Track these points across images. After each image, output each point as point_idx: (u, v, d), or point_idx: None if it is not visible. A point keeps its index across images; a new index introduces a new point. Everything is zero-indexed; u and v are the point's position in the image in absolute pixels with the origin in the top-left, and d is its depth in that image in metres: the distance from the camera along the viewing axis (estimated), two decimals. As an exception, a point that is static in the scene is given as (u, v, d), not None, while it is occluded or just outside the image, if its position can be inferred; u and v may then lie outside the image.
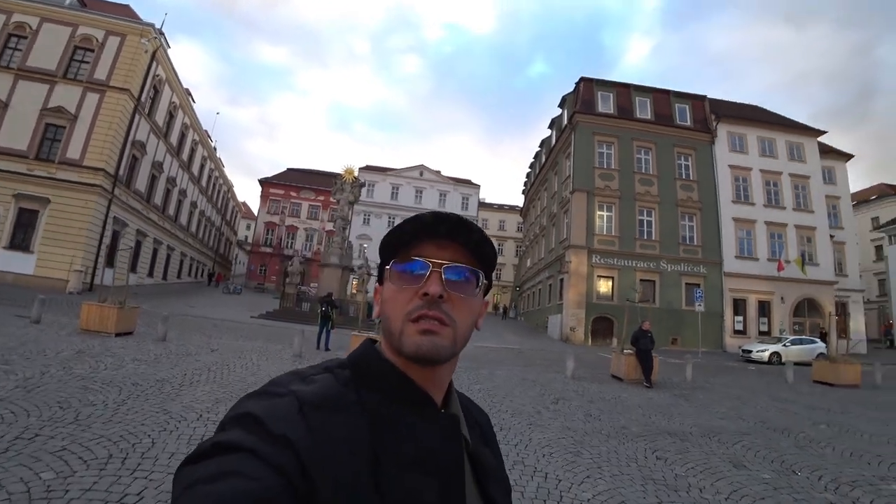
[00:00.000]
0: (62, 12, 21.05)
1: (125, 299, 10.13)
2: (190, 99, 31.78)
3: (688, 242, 25.58)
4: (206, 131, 37.65)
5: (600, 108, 27.17)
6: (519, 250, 50.68)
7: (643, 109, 27.58)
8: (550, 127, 34.07)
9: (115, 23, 21.51)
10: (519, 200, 52.18)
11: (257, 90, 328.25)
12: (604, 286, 24.45)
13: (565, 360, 11.19)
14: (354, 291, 30.49)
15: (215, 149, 42.34)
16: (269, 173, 56.50)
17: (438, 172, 53.22)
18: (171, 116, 28.12)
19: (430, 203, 51.24)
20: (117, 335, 9.61)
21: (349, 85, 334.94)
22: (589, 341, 23.03)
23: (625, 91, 27.94)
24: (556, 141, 31.01)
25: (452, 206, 51.63)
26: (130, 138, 22.14)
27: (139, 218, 24.79)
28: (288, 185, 51.92)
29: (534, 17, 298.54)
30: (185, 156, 32.08)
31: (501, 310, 45.01)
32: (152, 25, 22.20)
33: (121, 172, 21.73)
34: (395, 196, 50.89)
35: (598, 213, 25.27)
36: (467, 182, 54.35)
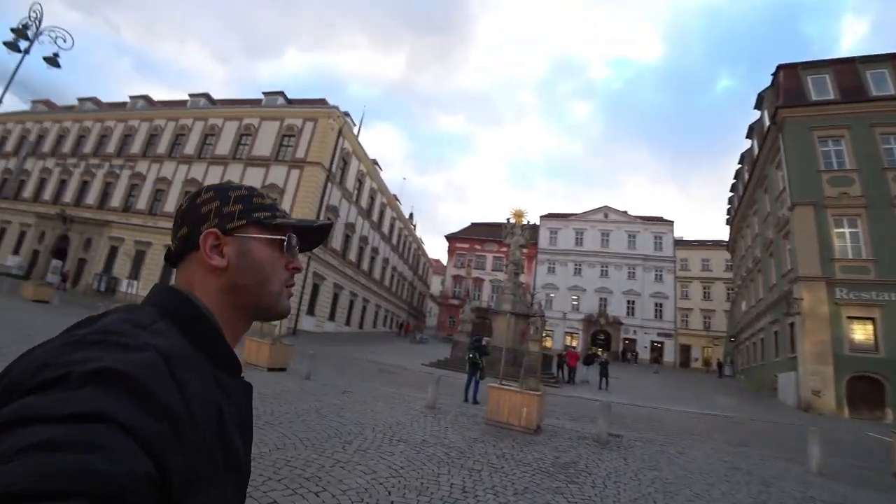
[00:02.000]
0: (275, 111, 26.44)
1: (278, 337, 10.47)
2: (377, 167, 35.97)
3: None
4: (394, 195, 42.03)
5: (814, 96, 20.33)
6: (730, 293, 40.92)
7: (881, 84, 19.40)
8: (749, 136, 27.29)
9: (309, 110, 26.09)
10: (723, 234, 42.98)
11: (441, 158, 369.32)
12: (860, 331, 16.81)
13: (805, 440, 7.08)
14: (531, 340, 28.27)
15: (412, 215, 46.99)
16: (457, 229, 59.58)
17: (625, 213, 48.25)
18: (359, 183, 32.01)
19: (617, 246, 46.59)
20: (269, 370, 9.88)
21: (523, 139, 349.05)
22: (845, 411, 15.77)
23: (847, 67, 20.28)
24: (760, 150, 24.28)
25: (644, 247, 45.75)
26: (325, 203, 25.58)
27: (335, 272, 28.05)
28: (472, 238, 53.76)
29: (704, 29, 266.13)
30: (374, 217, 35.99)
31: (716, 366, 36.31)
32: (336, 108, 26.00)
33: (319, 234, 25.16)
34: (580, 241, 47.75)
35: (836, 230, 18.08)
36: (658, 219, 47.74)
